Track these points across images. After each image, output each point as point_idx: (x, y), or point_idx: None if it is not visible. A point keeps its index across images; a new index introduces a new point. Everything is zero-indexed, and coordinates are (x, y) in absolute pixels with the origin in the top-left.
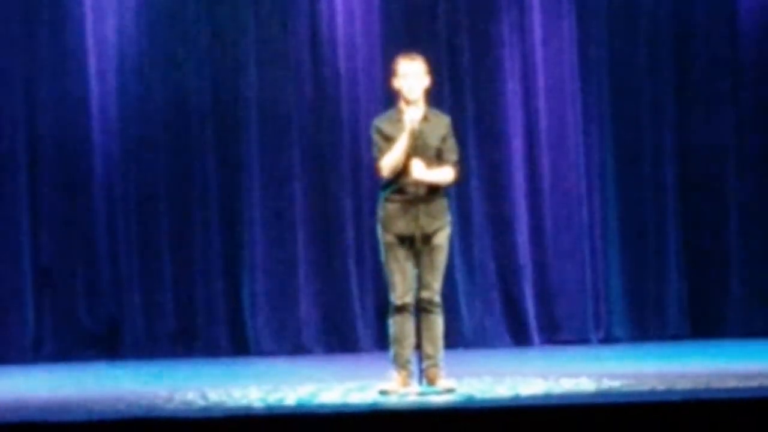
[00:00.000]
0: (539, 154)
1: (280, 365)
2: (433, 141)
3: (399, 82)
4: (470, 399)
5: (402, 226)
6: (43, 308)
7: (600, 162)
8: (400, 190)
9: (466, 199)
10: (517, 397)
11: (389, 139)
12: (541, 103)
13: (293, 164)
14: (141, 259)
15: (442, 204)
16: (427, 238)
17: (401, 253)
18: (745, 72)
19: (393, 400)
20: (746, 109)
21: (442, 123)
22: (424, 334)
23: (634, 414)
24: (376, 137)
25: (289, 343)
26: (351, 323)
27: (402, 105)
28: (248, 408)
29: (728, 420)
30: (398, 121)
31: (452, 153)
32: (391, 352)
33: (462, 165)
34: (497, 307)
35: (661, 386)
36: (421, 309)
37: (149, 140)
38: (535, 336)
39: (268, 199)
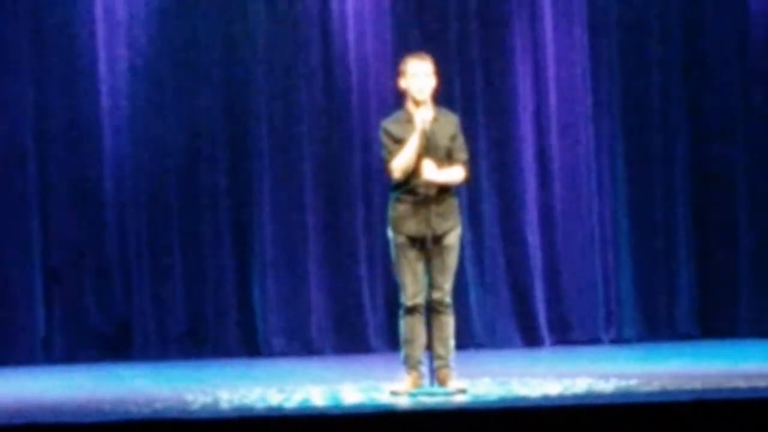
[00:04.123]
0: (550, 154)
1: (291, 366)
2: (443, 141)
3: (408, 82)
4: (481, 399)
5: (413, 226)
6: (53, 309)
7: (611, 162)
8: (411, 191)
9: (476, 199)
10: (528, 398)
11: (398, 141)
12: (552, 103)
13: (304, 165)
14: (151, 259)
15: (452, 204)
16: (438, 239)
17: (412, 254)
18: (756, 69)
19: (404, 401)
20: (757, 107)
21: (450, 122)
22: (435, 335)
23: (645, 414)
24: (385, 139)
25: (300, 344)
26: (362, 324)
27: (410, 106)
28: (258, 409)
29: (739, 420)
30: (407, 122)
31: (462, 152)
32: (402, 352)
33: (472, 164)
34: (508, 308)
35: (671, 386)
36: (432, 310)
37: (160, 140)
38: (546, 336)
39: (279, 200)
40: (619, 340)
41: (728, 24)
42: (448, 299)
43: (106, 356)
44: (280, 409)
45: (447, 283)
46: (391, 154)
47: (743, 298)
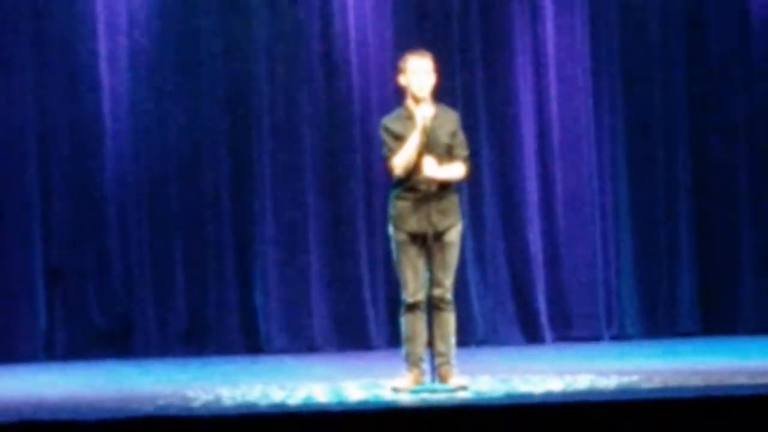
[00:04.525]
0: (551, 152)
1: (293, 363)
2: (443, 137)
3: (408, 79)
4: (482, 396)
5: (414, 223)
6: (55, 307)
7: (612, 160)
8: (412, 188)
9: (478, 196)
10: (529, 395)
11: (399, 138)
12: (553, 101)
13: (305, 163)
14: (153, 257)
15: (453, 201)
16: (439, 236)
17: (413, 251)
18: (758, 69)
19: (405, 398)
20: (758, 105)
21: (450, 118)
22: (437, 332)
23: (646, 411)
24: (385, 137)
25: (302, 341)
26: (363, 321)
27: (410, 103)
28: (260, 406)
29: (740, 417)
30: (407, 118)
31: (462, 148)
32: (404, 350)
33: (473, 162)
34: (509, 305)
35: (673, 383)
36: (433, 306)
37: (161, 139)
38: (547, 333)
39: (281, 198)
40: (620, 337)
41: (730, 23)
42: (449, 296)
43: (107, 354)
44: (281, 406)
45: (448, 280)
46: (392, 151)
47: (744, 294)
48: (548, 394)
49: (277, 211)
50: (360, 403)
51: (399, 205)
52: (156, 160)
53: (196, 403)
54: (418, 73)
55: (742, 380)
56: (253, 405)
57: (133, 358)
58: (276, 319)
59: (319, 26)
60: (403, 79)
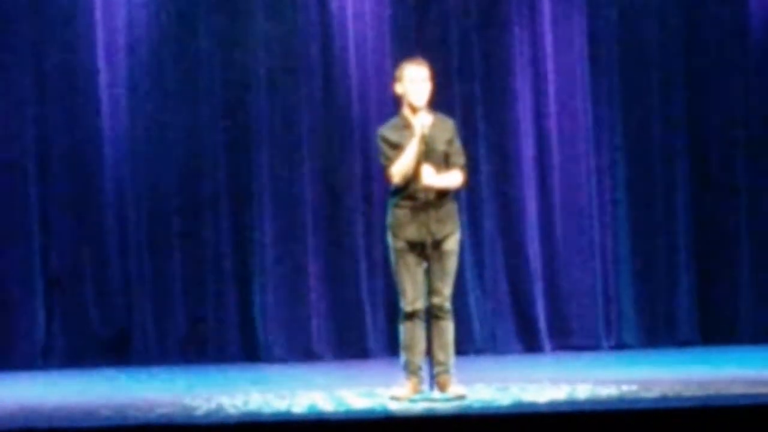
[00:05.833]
0: (549, 160)
1: (291, 371)
2: (440, 145)
3: (405, 87)
4: (481, 405)
5: (412, 232)
6: (53, 314)
7: (611, 167)
8: (410, 197)
9: (476, 204)
10: (527, 404)
11: (396, 147)
12: (551, 109)
13: (304, 171)
14: (151, 264)
15: (451, 209)
16: (438, 244)
17: (412, 259)
18: (757, 70)
19: (404, 407)
20: (758, 109)
21: (447, 127)
22: (435, 341)
23: (644, 420)
24: (383, 146)
25: (300, 349)
26: (362, 329)
27: (406, 111)
28: (258, 414)
29: (739, 426)
30: (404, 127)
31: (459, 156)
32: (402, 358)
33: (472, 170)
34: (508, 313)
35: (671, 392)
36: (431, 315)
37: (160, 147)
38: (546, 342)
39: (279, 205)
40: (619, 346)
41: (728, 25)
42: (447, 304)
43: (105, 361)
44: (279, 414)
45: (447, 289)
46: (390, 160)
47: (743, 304)
48: (547, 403)
49: (276, 219)
50: (358, 411)
51: (397, 213)
52: (155, 168)
53: (194, 412)
54: (416, 81)
55: (741, 389)
56: (251, 413)
57: (131, 366)
58: (274, 327)
59: (318, 34)
60: (399, 88)
